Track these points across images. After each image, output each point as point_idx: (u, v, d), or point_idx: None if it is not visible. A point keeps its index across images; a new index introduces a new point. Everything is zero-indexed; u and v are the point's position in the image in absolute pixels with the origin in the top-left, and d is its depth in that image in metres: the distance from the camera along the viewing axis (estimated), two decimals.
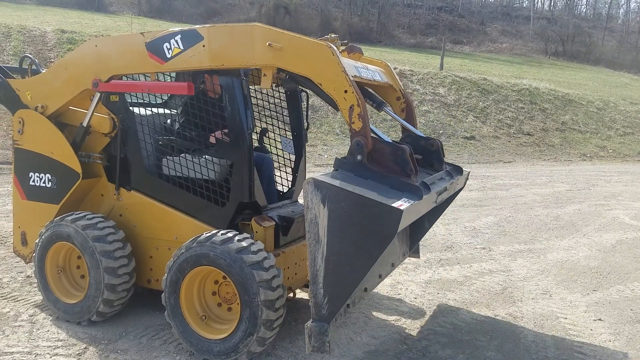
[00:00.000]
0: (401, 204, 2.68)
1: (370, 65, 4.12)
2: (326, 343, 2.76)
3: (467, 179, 4.24)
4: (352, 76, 3.21)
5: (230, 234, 3.31)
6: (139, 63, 3.68)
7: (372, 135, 3.16)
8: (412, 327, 4.05)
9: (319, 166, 12.06)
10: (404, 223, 2.69)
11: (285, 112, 4.48)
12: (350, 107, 3.03)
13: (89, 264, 3.65)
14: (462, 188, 4.29)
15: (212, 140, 3.81)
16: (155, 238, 3.85)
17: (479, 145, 16.91)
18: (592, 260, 6.16)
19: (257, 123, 4.77)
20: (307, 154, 4.59)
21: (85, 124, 3.96)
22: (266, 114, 4.71)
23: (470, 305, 4.59)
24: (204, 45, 3.43)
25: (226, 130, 3.75)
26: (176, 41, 3.51)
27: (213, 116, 3.68)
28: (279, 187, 4.59)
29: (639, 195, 11.03)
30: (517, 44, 40.32)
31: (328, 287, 2.72)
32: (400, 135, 4.23)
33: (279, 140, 4.56)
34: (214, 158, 3.69)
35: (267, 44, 3.21)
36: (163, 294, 3.40)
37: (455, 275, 5.34)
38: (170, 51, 3.55)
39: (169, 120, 4.15)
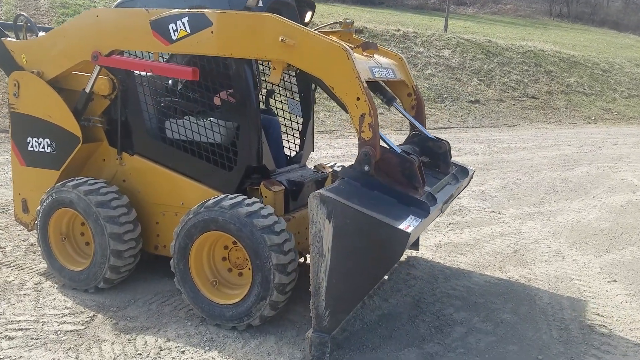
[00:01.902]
0: (408, 224, 2.61)
1: (384, 58, 3.92)
2: (326, 353, 2.73)
3: (471, 177, 4.13)
4: (366, 79, 3.06)
5: (239, 198, 3.19)
6: (142, 41, 3.48)
7: (381, 142, 3.05)
8: (425, 290, 3.98)
9: (322, 132, 11.87)
10: (410, 242, 2.63)
11: (292, 73, 4.30)
12: (362, 116, 2.90)
13: (94, 231, 3.54)
14: (466, 186, 4.19)
15: (217, 101, 3.65)
16: (161, 204, 3.73)
17: (484, 109, 16.66)
18: (603, 222, 6.07)
19: (263, 85, 4.59)
20: None
21: (87, 90, 3.78)
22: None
23: (482, 268, 4.51)
24: (212, 32, 3.24)
25: (231, 91, 3.59)
26: (183, 23, 3.31)
27: (217, 76, 3.50)
28: (287, 152, 4.44)
29: None
30: (521, 5, 39.38)
31: (330, 301, 2.67)
32: (408, 133, 4.06)
33: (286, 102, 4.39)
34: (219, 120, 3.53)
35: (280, 39, 3.04)
36: (172, 260, 3.30)
37: (466, 239, 5.25)
38: (176, 33, 3.35)
39: (170, 81, 3.96)
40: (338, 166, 4.66)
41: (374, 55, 3.66)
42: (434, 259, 4.67)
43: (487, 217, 6.07)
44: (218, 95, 3.63)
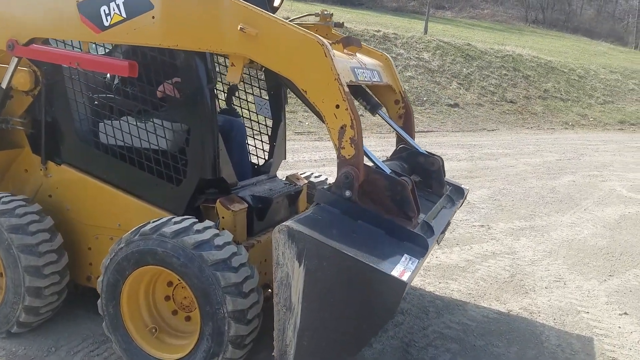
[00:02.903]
0: (403, 269, 1.99)
1: (368, 58, 3.28)
2: None
3: (465, 197, 3.53)
4: (347, 82, 2.44)
5: (185, 222, 2.50)
6: (68, 28, 2.82)
7: (365, 158, 2.44)
8: (415, 329, 3.37)
9: (300, 134, 11.22)
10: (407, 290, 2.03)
11: (259, 67, 3.63)
12: (341, 128, 2.28)
13: (4, 262, 2.81)
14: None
15: (160, 95, 2.96)
16: (94, 225, 3.02)
17: (463, 113, 16.29)
18: (599, 238, 5.59)
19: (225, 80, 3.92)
20: (287, 119, 3.77)
21: (4, 86, 3.05)
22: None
23: (477, 298, 3.93)
24: (153, 17, 2.59)
25: (178, 80, 2.91)
26: (117, 6, 2.64)
27: (161, 67, 2.82)
28: (254, 160, 3.78)
29: (629, 165, 10.61)
30: (498, 10, 39.54)
31: None
32: (395, 146, 3.43)
33: (252, 101, 3.72)
34: (164, 122, 2.85)
35: (239, 27, 2.40)
36: (99, 300, 2.60)
37: (456, 260, 4.68)
38: (108, 17, 2.68)
39: (109, 74, 3.25)
40: (315, 176, 4.03)
41: (357, 54, 3.03)
42: (423, 286, 4.07)
43: (477, 233, 5.52)
44: (161, 88, 2.95)
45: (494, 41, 24.53)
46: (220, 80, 3.94)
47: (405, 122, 3.46)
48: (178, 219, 2.55)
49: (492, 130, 15.74)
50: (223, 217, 2.84)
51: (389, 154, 3.41)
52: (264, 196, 3.13)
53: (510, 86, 19.49)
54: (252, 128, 3.79)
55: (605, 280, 4.44)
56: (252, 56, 2.48)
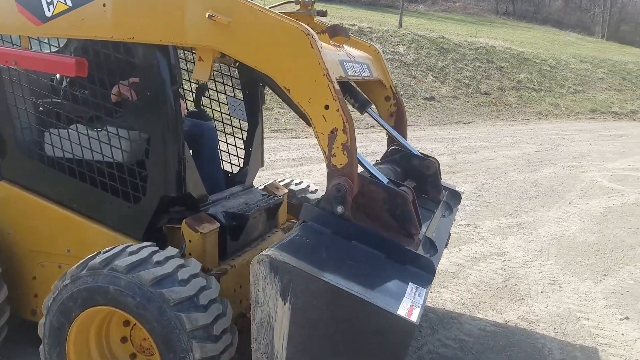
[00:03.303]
0: (411, 305, 1.66)
1: (356, 50, 2.94)
2: None
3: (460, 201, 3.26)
4: (337, 78, 2.11)
5: (143, 252, 2.11)
6: (4, 20, 2.44)
7: (359, 167, 2.11)
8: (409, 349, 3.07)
9: (276, 132, 10.82)
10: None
11: (233, 61, 3.26)
12: (332, 132, 1.95)
13: None
14: None
15: (114, 99, 2.58)
16: (39, 251, 2.61)
17: (439, 106, 16.14)
18: (588, 234, 5.42)
19: (188, 77, 3.54)
20: (263, 120, 3.40)
21: None
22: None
23: (472, 307, 3.67)
24: (104, 4, 2.23)
25: (135, 80, 2.52)
26: None
27: (116, 65, 2.44)
28: (227, 167, 3.42)
29: (606, 154, 10.59)
30: (469, 3, 39.65)
31: None
32: (386, 147, 3.12)
33: (225, 102, 3.35)
34: (120, 129, 2.47)
35: (207, 14, 2.05)
36: (41, 346, 2.21)
37: (446, 264, 4.41)
38: (51, 7, 2.31)
39: (58, 75, 2.84)
40: (295, 184, 3.68)
41: (344, 45, 2.70)
42: None
43: (464, 233, 5.28)
44: (116, 90, 2.57)
45: (467, 33, 24.50)
46: (187, 78, 3.56)
47: (397, 121, 3.14)
48: (134, 247, 2.17)
49: (468, 122, 15.63)
50: (190, 241, 2.45)
51: (369, 151, 3.10)
52: (239, 212, 2.76)
53: (484, 78, 19.45)
54: (224, 132, 3.42)
55: (600, 280, 4.24)
56: (223, 49, 2.13)
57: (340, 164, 1.98)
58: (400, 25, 21.10)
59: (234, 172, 3.37)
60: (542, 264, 4.53)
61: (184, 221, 2.43)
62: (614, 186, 7.62)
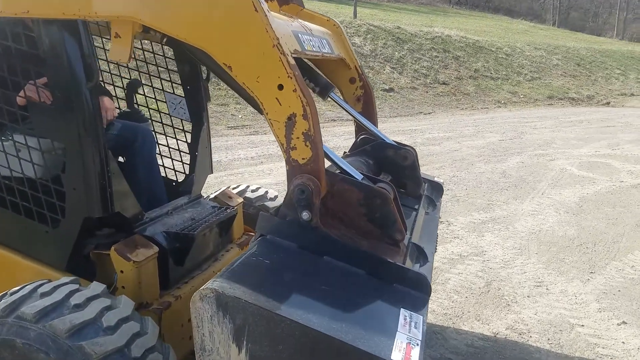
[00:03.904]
0: (407, 344, 1.23)
1: (313, 24, 2.43)
2: None
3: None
4: (292, 52, 1.67)
5: (58, 294, 1.62)
6: None
7: (326, 162, 1.66)
8: None
9: (233, 129, 10.20)
10: None
11: (170, 54, 2.73)
12: (289, 120, 1.50)
13: None
14: None
15: (22, 102, 2.02)
16: None
17: (398, 97, 15.90)
18: (567, 227, 5.15)
19: (124, 71, 3.00)
20: (215, 116, 2.87)
21: None
22: (135, 55, 2.89)
23: (456, 319, 3.27)
24: None
25: (44, 80, 1.99)
26: None
27: (17, 58, 1.89)
28: (172, 176, 2.89)
29: (571, 141, 10.53)
30: None
31: None
32: (354, 137, 2.65)
33: (164, 99, 2.81)
34: (29, 138, 1.92)
35: None
36: None
37: None
38: None
39: None
40: (252, 190, 3.18)
41: (297, 17, 2.21)
42: None
43: (438, 231, 4.89)
44: (21, 92, 2.02)
45: (422, 23, 24.43)
46: (118, 73, 3.00)
47: (366, 106, 2.68)
48: (47, 287, 1.65)
49: (429, 113, 15.46)
50: (122, 272, 1.97)
51: (332, 147, 2.64)
52: (183, 232, 2.25)
53: (442, 68, 19.37)
54: (165, 134, 2.88)
55: (588, 279, 3.93)
56: (144, 19, 1.62)
57: (303, 159, 1.53)
58: (355, 15, 20.76)
59: (178, 181, 2.86)
60: (524, 264, 4.20)
61: (112, 248, 1.92)
62: (584, 174, 7.46)
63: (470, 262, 4.18)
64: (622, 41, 36.92)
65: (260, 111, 1.55)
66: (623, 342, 3.06)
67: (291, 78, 1.45)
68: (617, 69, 26.19)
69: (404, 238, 1.67)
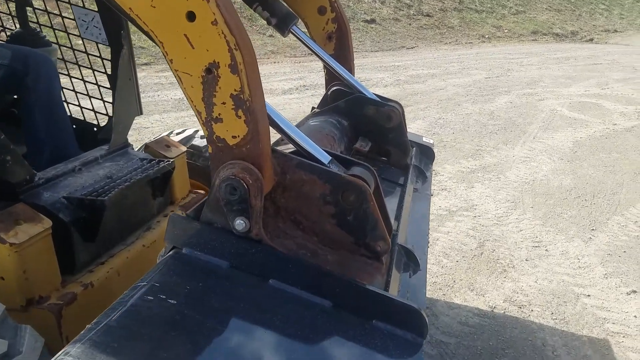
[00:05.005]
0: None
1: None
2: None
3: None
4: None
5: None
6: None
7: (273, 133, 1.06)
8: None
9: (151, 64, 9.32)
10: None
11: None
12: (208, 72, 0.91)
13: None
14: None
15: None
16: None
17: (380, 29, 14.97)
18: (562, 176, 4.73)
19: None
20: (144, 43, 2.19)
21: None
22: None
23: (446, 289, 2.85)
24: None
25: None
26: None
27: None
28: (91, 119, 2.25)
29: (559, 79, 10.02)
30: None
31: None
32: (324, 86, 2.01)
33: (72, 15, 2.10)
34: None
35: None
36: None
37: None
38: None
39: None
40: (202, 136, 2.59)
41: None
42: None
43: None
44: None
45: None
46: None
47: (339, 46, 2.03)
48: None
49: (412, 47, 14.68)
50: None
51: (308, 84, 2.03)
52: (90, 197, 1.68)
53: None
54: (77, 64, 2.21)
55: (590, 238, 3.54)
56: None
57: (234, 137, 0.97)
58: None
59: (99, 126, 2.24)
60: (519, 220, 3.78)
61: None
62: (576, 116, 7.00)
63: (460, 219, 3.74)
64: None
65: (166, 58, 0.95)
66: (635, 316, 2.69)
67: (209, 0, 0.84)
68: (602, 3, 25.35)
69: (388, 249, 1.14)
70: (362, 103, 1.86)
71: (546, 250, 3.34)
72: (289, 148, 1.28)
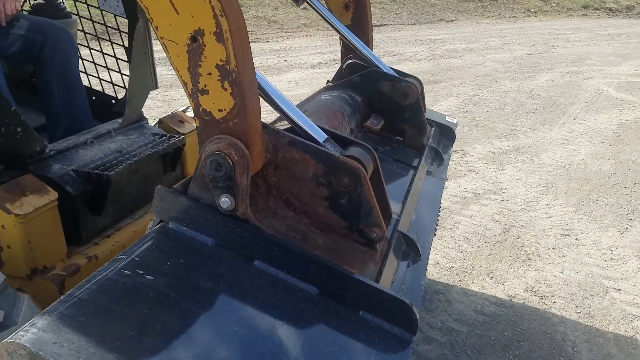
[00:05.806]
0: None
1: None
2: None
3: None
4: None
5: None
6: None
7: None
8: None
9: None
10: None
11: None
12: (193, 40, 0.85)
13: None
14: None
15: None
16: None
17: (418, 1, 14.47)
18: (601, 160, 4.45)
19: None
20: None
21: None
22: None
23: (463, 275, 2.72)
24: None
25: None
26: None
27: None
28: (101, 88, 2.22)
29: (608, 57, 9.43)
30: None
31: None
32: (340, 61, 1.88)
33: None
34: None
35: None
36: None
37: None
38: None
39: None
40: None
41: None
42: None
43: (450, 163, 4.24)
44: None
45: None
46: None
47: (356, 17, 1.90)
48: None
49: (451, 21, 14.15)
50: (3, 227, 1.44)
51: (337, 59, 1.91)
52: (97, 171, 1.65)
53: None
54: (97, 37, 2.18)
55: (626, 228, 3.31)
56: None
57: (220, 110, 0.91)
58: None
59: (116, 98, 2.22)
60: (550, 205, 3.57)
61: None
62: (623, 97, 6.57)
63: (486, 202, 3.57)
64: None
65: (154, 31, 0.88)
66: None
67: None
68: None
69: (383, 236, 1.05)
70: (377, 78, 1.74)
71: (576, 239, 3.15)
72: (285, 125, 1.19)
